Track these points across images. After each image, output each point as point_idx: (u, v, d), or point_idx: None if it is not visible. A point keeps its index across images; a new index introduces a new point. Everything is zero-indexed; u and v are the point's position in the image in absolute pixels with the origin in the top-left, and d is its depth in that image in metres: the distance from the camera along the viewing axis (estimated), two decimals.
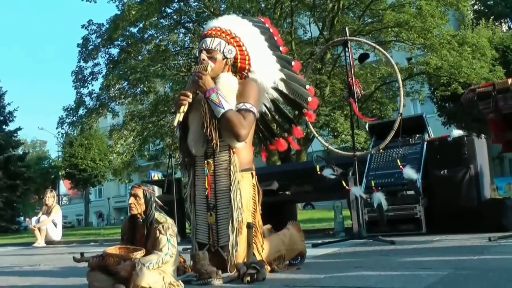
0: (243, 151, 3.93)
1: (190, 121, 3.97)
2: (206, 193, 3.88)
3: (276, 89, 4.33)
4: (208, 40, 4.05)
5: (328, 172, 6.15)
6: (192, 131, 3.96)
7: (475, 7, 30.79)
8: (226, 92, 3.86)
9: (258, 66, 4.21)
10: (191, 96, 3.84)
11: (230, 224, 3.75)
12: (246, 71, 4.19)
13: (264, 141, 4.58)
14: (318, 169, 6.19)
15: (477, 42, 21.89)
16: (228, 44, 4.06)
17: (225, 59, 4.05)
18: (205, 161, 3.91)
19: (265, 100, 4.37)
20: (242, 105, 3.86)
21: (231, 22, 4.27)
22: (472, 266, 3.71)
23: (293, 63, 4.50)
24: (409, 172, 6.08)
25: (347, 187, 6.05)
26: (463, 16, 24.48)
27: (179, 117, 3.82)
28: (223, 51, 4.03)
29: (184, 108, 3.82)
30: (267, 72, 4.26)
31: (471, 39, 22.02)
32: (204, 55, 3.99)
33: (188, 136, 3.99)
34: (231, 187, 3.80)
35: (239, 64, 4.15)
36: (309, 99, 4.38)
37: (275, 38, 4.51)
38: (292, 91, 4.35)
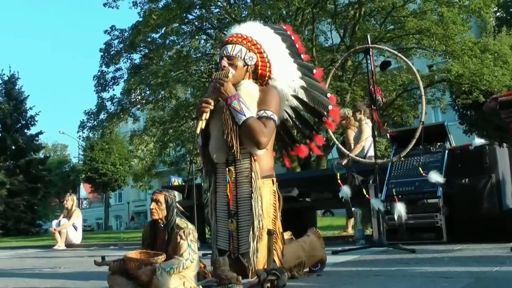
0: (264, 158, 3.93)
1: (211, 128, 3.98)
2: (228, 200, 3.89)
3: (296, 97, 4.32)
4: (229, 47, 4.06)
5: (344, 192, 6.13)
6: (214, 138, 3.97)
7: (498, 14, 30.52)
8: (247, 99, 3.86)
9: (279, 73, 4.21)
10: (213, 103, 3.85)
11: (251, 232, 3.75)
12: (266, 78, 4.19)
13: (285, 147, 4.58)
14: (338, 176, 6.17)
15: (499, 50, 21.69)
16: (249, 51, 4.07)
17: (246, 66, 4.06)
18: (227, 169, 3.92)
19: (286, 107, 4.37)
20: (263, 112, 3.86)
21: (252, 29, 4.27)
22: (494, 276, 3.69)
23: (314, 70, 4.47)
24: (435, 176, 6.03)
25: (367, 196, 6.03)
26: (485, 23, 24.28)
27: (202, 124, 3.83)
28: (244, 58, 4.04)
29: (206, 116, 3.83)
30: (288, 79, 4.26)
31: (493, 46, 21.84)
32: (225, 62, 4.01)
33: (210, 143, 4.00)
34: (252, 195, 3.80)
35: (260, 71, 4.16)
36: (330, 107, 4.35)
37: (297, 46, 4.49)
38: (312, 99, 4.32)
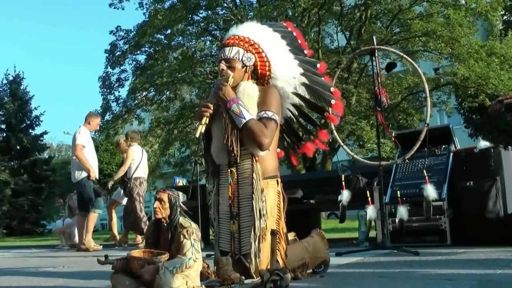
0: (268, 159, 3.92)
1: (213, 131, 4.01)
2: (230, 202, 3.89)
3: (297, 94, 4.31)
4: (227, 49, 4.04)
5: (343, 197, 6.10)
6: (215, 141, 3.99)
7: (505, 17, 30.46)
8: (246, 101, 3.86)
9: (279, 71, 4.20)
10: (212, 107, 3.86)
11: (253, 232, 3.74)
12: (267, 77, 4.19)
13: (292, 146, 4.56)
14: (343, 178, 6.15)
15: (505, 53, 21.68)
16: (247, 52, 4.05)
17: (245, 67, 4.04)
18: (229, 170, 3.93)
19: (288, 105, 4.36)
20: (264, 113, 3.84)
21: (250, 30, 4.25)
22: (497, 279, 3.67)
23: (318, 65, 4.42)
24: (429, 190, 6.01)
25: (369, 199, 6.01)
26: (492, 26, 24.27)
27: (201, 128, 3.83)
28: (242, 59, 4.02)
29: (205, 120, 3.83)
30: (288, 77, 4.24)
31: (500, 49, 21.82)
32: (223, 65, 4.00)
33: (211, 146, 4.03)
34: (253, 195, 3.79)
35: (259, 71, 4.14)
36: (333, 102, 4.32)
37: (299, 41, 4.45)
38: (313, 95, 4.29)
